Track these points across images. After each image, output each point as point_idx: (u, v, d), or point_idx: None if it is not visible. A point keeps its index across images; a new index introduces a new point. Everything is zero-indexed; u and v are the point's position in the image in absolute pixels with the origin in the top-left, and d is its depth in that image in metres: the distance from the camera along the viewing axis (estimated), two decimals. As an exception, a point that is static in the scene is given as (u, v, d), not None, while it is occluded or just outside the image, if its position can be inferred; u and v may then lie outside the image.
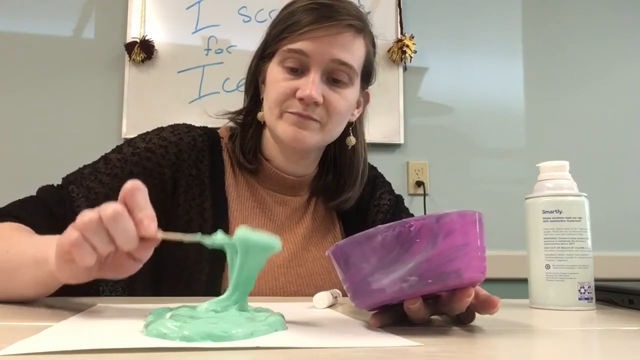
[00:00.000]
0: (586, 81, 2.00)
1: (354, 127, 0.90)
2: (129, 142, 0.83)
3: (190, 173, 0.82)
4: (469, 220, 0.46)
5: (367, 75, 0.88)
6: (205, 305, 0.47)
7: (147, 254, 0.50)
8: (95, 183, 0.77)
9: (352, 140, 0.89)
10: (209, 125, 0.92)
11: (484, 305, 0.49)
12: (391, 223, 0.44)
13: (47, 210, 0.73)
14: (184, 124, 0.88)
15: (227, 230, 0.79)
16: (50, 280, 0.55)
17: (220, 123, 0.92)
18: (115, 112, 1.77)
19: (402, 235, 0.44)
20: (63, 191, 0.77)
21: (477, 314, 0.51)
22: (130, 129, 1.75)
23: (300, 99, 0.78)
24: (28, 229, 0.68)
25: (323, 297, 0.63)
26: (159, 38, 1.80)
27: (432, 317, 0.53)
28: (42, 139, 1.74)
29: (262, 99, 0.86)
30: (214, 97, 1.80)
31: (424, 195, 1.84)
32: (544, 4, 2.03)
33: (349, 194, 0.90)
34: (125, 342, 0.37)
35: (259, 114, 0.86)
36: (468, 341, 0.44)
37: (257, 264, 0.48)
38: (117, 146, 0.83)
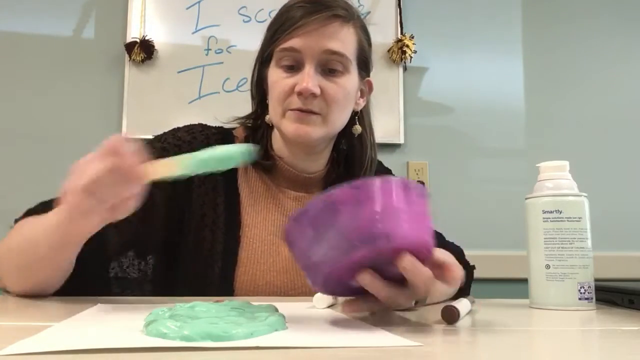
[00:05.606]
0: (586, 81, 2.00)
1: (360, 116, 0.93)
2: (147, 142, 0.87)
3: None
4: (391, 185, 0.47)
5: (364, 63, 0.89)
6: (205, 305, 0.47)
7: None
8: None
9: (357, 129, 0.92)
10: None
11: (442, 272, 0.51)
12: (319, 196, 0.46)
13: None
14: (200, 124, 0.91)
15: (238, 225, 0.85)
16: (65, 239, 0.59)
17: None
18: (115, 112, 1.77)
19: (328, 206, 0.45)
20: None
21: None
22: (130, 129, 1.74)
23: (299, 94, 0.80)
24: None
25: (323, 297, 0.63)
26: (159, 38, 1.80)
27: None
28: (42, 139, 1.74)
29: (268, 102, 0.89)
30: (214, 97, 1.79)
31: (424, 195, 1.84)
32: (544, 4, 2.02)
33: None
34: (125, 342, 0.37)
35: (267, 117, 0.89)
36: (468, 341, 0.44)
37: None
38: None
